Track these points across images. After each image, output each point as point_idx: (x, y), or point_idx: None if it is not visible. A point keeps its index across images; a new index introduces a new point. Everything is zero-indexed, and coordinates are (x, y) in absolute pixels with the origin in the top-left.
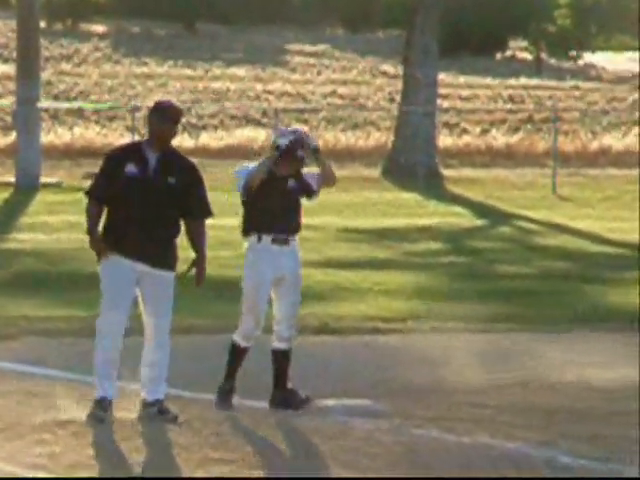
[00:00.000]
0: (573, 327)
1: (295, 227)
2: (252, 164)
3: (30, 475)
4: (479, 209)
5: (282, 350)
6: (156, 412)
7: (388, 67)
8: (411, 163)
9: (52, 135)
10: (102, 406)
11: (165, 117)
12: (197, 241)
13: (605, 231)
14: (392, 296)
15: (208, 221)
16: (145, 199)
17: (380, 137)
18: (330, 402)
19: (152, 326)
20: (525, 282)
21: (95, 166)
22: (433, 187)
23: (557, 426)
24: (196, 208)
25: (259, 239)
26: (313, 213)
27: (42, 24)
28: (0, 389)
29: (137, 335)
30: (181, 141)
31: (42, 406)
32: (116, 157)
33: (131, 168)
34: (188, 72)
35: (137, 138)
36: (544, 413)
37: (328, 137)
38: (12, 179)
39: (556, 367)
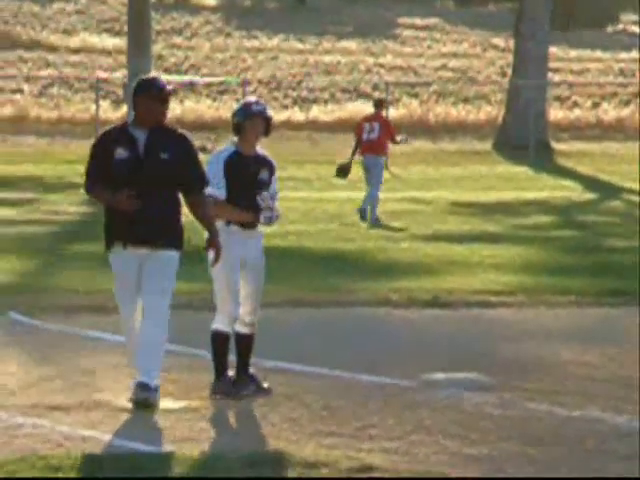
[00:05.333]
0: None
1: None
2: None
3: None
4: (589, 183)
5: (242, 334)
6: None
7: (499, 40)
8: (522, 137)
9: None
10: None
11: (154, 97)
12: (203, 215)
13: None
14: (502, 270)
15: (317, 194)
16: (138, 180)
17: (491, 111)
18: (439, 375)
19: (149, 305)
20: (635, 256)
21: (206, 140)
22: (544, 160)
23: None
24: (194, 180)
25: (227, 222)
26: (423, 187)
27: None
28: (99, 359)
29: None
30: (291, 114)
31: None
32: (103, 142)
33: (120, 152)
34: (298, 45)
35: None
36: None
37: (439, 110)
38: None
39: None
